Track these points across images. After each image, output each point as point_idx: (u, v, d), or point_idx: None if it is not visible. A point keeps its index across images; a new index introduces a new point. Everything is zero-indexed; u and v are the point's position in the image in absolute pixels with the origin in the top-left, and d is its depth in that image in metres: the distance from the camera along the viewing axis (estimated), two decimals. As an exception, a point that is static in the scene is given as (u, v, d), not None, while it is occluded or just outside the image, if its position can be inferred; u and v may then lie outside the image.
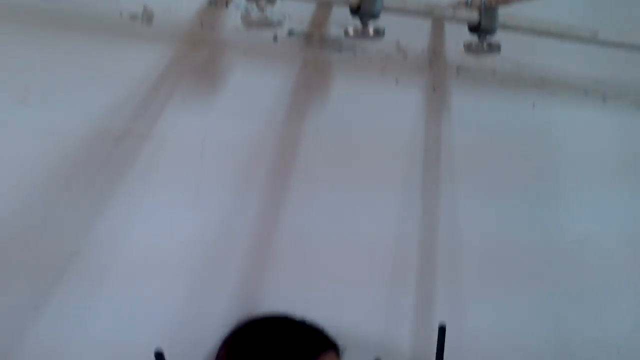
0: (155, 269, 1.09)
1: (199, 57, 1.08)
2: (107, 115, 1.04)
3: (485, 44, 1.13)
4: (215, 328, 1.11)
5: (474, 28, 1.13)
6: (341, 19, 1.10)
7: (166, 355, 0.77)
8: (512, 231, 1.35)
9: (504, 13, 1.12)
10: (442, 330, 0.92)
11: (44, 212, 1.02)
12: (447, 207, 1.26)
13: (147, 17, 1.04)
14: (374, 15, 1.02)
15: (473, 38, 1.14)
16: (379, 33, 1.04)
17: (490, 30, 1.12)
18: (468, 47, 1.15)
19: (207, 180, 1.10)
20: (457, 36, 1.19)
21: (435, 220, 1.25)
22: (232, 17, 1.09)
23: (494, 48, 1.13)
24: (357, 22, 1.04)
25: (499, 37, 1.14)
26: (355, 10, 1.03)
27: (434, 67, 1.23)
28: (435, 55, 1.24)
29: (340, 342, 1.11)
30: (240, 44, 1.10)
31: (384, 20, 1.04)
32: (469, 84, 1.26)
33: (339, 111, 1.17)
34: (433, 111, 1.24)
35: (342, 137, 1.19)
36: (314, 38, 1.15)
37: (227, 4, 1.08)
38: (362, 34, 1.04)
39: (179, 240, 1.10)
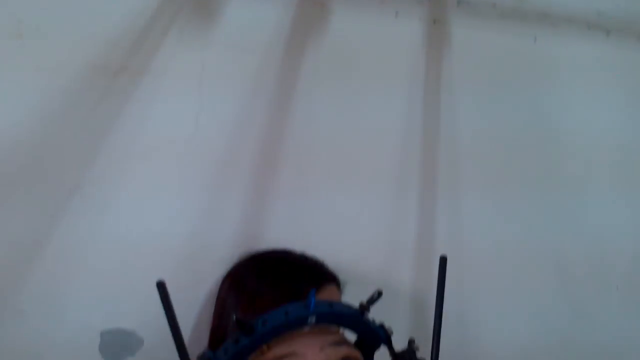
0: (156, 203, 1.09)
1: (195, -13, 1.06)
2: (103, 49, 1.03)
3: (486, -26, 1.12)
4: (217, 264, 1.12)
5: (475, -43, 1.11)
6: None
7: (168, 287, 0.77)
8: (513, 160, 1.34)
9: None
10: (443, 262, 0.92)
11: (43, 147, 1.02)
12: (447, 138, 1.25)
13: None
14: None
15: (473, -32, 1.12)
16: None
17: (491, -40, 1.11)
18: (468, -22, 1.13)
19: (206, 116, 1.10)
20: (458, -34, 1.17)
21: (436, 152, 1.25)
22: (228, -54, 1.07)
23: (495, -22, 1.12)
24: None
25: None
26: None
27: (434, -1, 1.22)
28: (435, -14, 1.22)
29: (341, 277, 1.11)
30: (237, -26, 1.08)
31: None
32: (470, 17, 1.24)
33: (338, 44, 1.16)
34: (433, 44, 1.22)
35: (341, 70, 1.17)
36: (312, -32, 1.13)
37: None
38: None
39: (179, 175, 1.10)
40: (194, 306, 1.12)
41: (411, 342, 0.91)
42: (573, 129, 1.38)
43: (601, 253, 1.43)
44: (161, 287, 0.75)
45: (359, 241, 1.21)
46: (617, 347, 1.47)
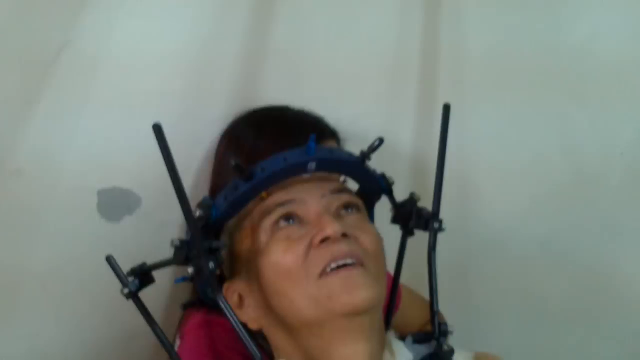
0: (150, 62, 1.06)
1: None
2: None
3: None
4: (213, 122, 1.10)
5: None
6: None
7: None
8: (517, 33, 1.28)
9: None
10: (446, 110, 0.89)
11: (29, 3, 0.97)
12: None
13: None
14: None
15: None
16: None
17: None
18: None
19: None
20: None
21: (437, 14, 1.21)
22: None
23: None
24: None
25: None
26: None
27: None
28: None
29: (340, 134, 1.10)
30: None
31: None
32: None
33: None
34: None
35: None
36: None
37: None
38: None
39: (174, 31, 1.06)
40: (192, 166, 1.11)
41: (412, 194, 0.91)
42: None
43: (606, 121, 1.41)
44: (157, 129, 0.72)
45: (359, 98, 1.19)
46: (616, 218, 1.47)
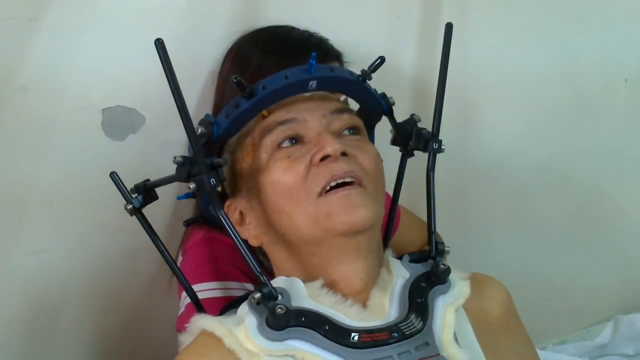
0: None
1: None
2: None
3: None
4: (217, 42, 1.09)
5: None
6: None
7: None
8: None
9: None
10: (448, 29, 0.89)
11: None
12: None
13: None
14: None
15: None
16: None
17: None
18: None
19: None
20: None
21: None
22: None
23: None
24: None
25: None
26: None
27: None
28: None
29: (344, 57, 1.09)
30: None
31: None
32: None
33: None
34: None
35: None
36: None
37: None
38: None
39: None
40: (196, 86, 1.10)
41: (412, 115, 0.91)
42: None
43: (610, 46, 1.40)
44: (160, 45, 0.72)
45: (363, 20, 1.17)
46: (617, 145, 1.48)
